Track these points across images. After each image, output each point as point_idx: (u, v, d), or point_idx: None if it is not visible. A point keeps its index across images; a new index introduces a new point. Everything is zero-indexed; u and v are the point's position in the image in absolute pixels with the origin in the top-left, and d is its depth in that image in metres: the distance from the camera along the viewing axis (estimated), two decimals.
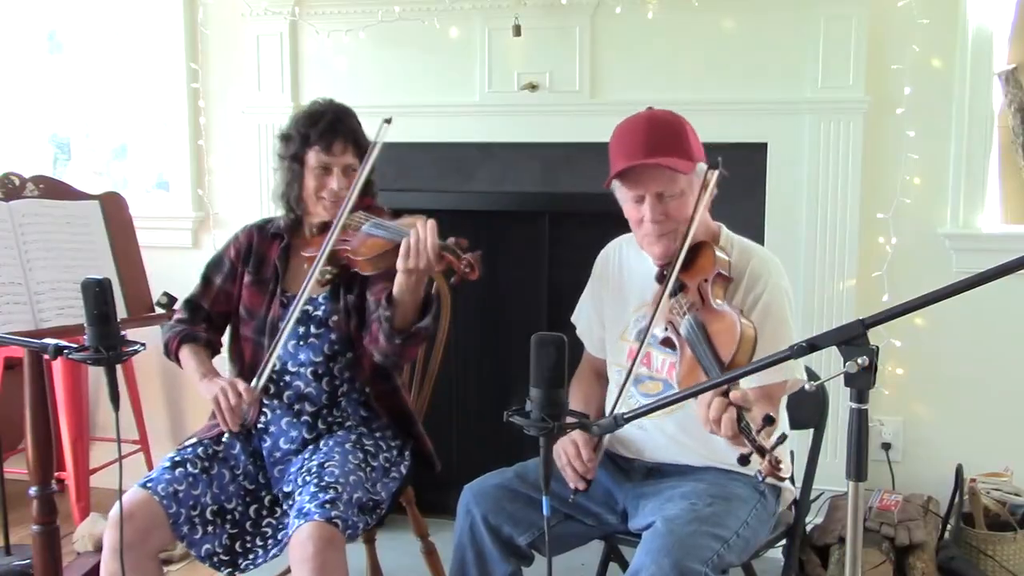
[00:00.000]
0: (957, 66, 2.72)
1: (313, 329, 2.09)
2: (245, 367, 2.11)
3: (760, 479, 1.49)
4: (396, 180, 3.06)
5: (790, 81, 2.75)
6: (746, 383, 1.57)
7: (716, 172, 1.81)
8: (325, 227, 2.08)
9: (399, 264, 1.87)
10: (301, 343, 2.08)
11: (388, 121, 2.01)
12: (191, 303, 2.20)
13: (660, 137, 1.83)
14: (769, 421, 1.46)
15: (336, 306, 2.09)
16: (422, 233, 1.85)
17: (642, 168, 1.82)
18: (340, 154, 2.07)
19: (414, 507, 2.29)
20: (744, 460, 1.50)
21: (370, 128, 2.09)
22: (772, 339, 1.76)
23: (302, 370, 2.08)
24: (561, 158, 2.96)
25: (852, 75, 2.69)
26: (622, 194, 1.91)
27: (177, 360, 2.14)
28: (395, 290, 1.92)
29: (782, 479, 1.51)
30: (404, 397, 2.20)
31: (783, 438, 1.48)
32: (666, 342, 1.80)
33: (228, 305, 2.18)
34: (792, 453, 2.06)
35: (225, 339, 2.23)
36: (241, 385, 1.97)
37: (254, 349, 2.11)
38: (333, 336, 2.09)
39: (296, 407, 2.08)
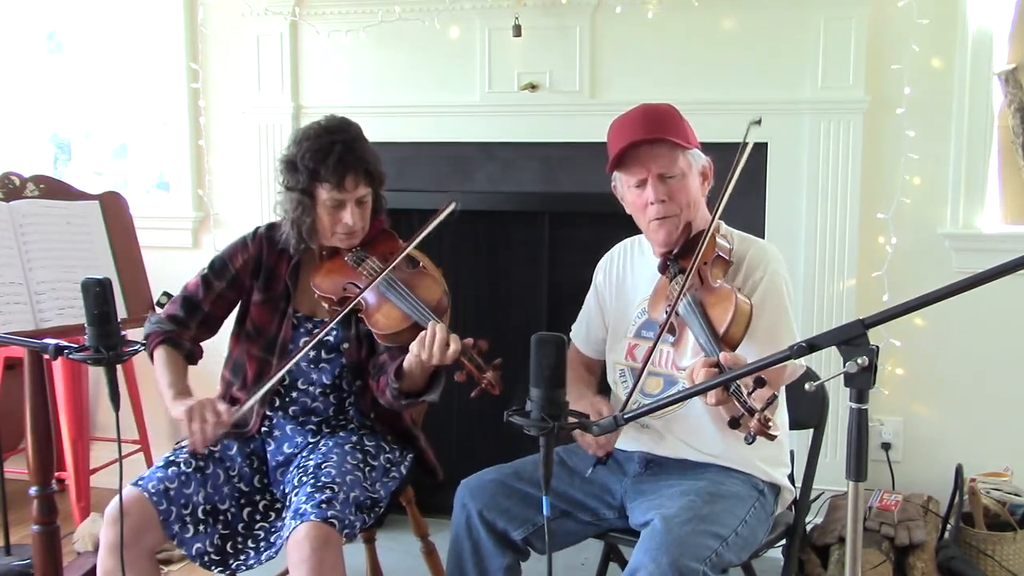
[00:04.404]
0: (957, 66, 2.72)
1: (324, 354, 2.07)
2: (248, 383, 2.09)
3: (750, 439, 1.50)
4: (396, 180, 3.05)
5: (790, 81, 2.76)
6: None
7: (754, 125, 1.82)
8: (335, 252, 2.07)
9: (412, 349, 1.86)
10: (312, 366, 2.07)
11: (455, 208, 2.01)
12: (189, 302, 2.11)
13: (656, 120, 1.89)
14: (760, 383, 1.45)
15: (348, 333, 2.07)
16: (441, 334, 1.83)
17: (642, 150, 1.86)
18: (353, 189, 1.98)
19: (414, 507, 2.29)
20: (735, 423, 1.52)
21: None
22: (771, 324, 1.81)
23: (311, 388, 2.08)
24: (561, 158, 2.96)
25: (852, 75, 2.70)
26: (624, 184, 1.94)
27: (151, 356, 2.07)
28: (405, 365, 1.91)
29: (772, 437, 1.52)
30: (406, 417, 2.18)
31: (773, 398, 1.49)
32: (664, 325, 1.80)
33: (227, 309, 2.15)
34: (792, 453, 2.06)
35: (224, 350, 2.19)
36: (220, 406, 1.90)
37: (260, 367, 2.08)
38: (344, 361, 2.08)
39: (302, 418, 2.09)
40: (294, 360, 1.95)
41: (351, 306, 1.96)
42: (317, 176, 1.96)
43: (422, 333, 1.86)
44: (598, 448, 1.88)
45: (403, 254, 2.01)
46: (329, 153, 1.95)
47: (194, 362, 2.12)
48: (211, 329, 2.16)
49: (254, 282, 2.11)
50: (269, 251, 2.12)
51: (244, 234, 2.17)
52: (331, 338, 2.06)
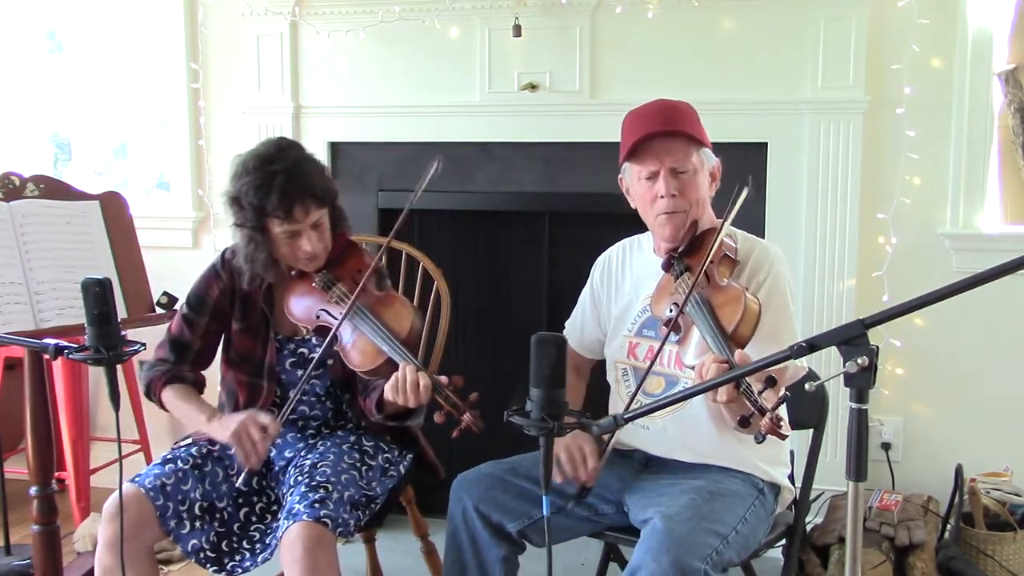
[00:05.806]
0: (957, 66, 2.72)
1: (313, 369, 2.05)
2: (241, 407, 2.07)
3: (761, 439, 1.50)
4: (396, 180, 3.06)
5: (790, 81, 2.76)
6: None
7: (745, 189, 1.81)
8: (303, 272, 2.04)
9: (387, 391, 1.85)
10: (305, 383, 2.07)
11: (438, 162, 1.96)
12: (178, 343, 2.08)
13: (674, 114, 1.89)
14: (771, 383, 1.46)
15: (331, 350, 2.05)
16: (411, 377, 1.81)
17: (657, 142, 1.86)
18: (304, 218, 1.91)
19: (414, 507, 2.29)
20: (745, 422, 1.52)
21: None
22: (774, 323, 1.81)
23: (307, 397, 2.09)
24: (561, 158, 2.96)
25: (852, 75, 2.70)
26: (635, 176, 1.93)
27: (160, 403, 2.05)
28: (385, 396, 1.89)
29: (783, 436, 1.53)
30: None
31: (784, 398, 1.49)
32: (669, 323, 1.80)
33: (217, 339, 2.12)
34: (792, 453, 2.06)
35: (214, 377, 2.17)
36: (264, 417, 1.89)
37: (251, 391, 2.07)
38: (331, 375, 2.09)
39: (301, 423, 2.10)
40: (300, 388, 1.96)
41: (327, 341, 1.94)
42: (264, 212, 1.89)
43: (395, 376, 1.83)
44: (575, 480, 1.86)
45: (373, 270, 1.98)
46: (271, 187, 1.86)
47: (202, 391, 2.11)
48: (207, 360, 2.14)
49: (231, 310, 2.09)
50: (240, 278, 2.08)
51: (212, 262, 2.12)
52: (316, 355, 2.05)
